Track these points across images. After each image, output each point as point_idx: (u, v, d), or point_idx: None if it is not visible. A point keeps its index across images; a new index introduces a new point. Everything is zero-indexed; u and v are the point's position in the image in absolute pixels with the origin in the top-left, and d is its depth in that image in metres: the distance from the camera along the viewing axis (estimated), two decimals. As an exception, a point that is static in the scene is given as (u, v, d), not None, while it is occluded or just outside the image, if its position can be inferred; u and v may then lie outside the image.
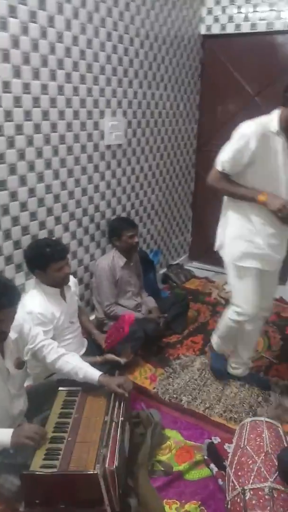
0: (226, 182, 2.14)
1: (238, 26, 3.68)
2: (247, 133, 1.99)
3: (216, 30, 3.79)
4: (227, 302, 3.01)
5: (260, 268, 2.25)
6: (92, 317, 2.97)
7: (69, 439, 1.76)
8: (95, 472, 1.57)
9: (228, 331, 2.50)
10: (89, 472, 1.59)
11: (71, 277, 2.38)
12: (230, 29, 3.72)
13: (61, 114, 2.43)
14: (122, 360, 2.38)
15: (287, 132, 2.00)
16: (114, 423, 1.81)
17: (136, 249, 2.92)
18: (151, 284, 3.33)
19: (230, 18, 3.69)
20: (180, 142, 3.84)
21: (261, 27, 3.58)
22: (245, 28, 3.65)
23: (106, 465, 1.61)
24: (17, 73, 2.11)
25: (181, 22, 3.47)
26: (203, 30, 3.83)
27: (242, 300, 2.33)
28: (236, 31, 3.70)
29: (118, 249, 2.86)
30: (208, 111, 4.04)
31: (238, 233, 2.24)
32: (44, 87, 2.29)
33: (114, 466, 1.61)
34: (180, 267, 4.14)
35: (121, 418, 1.84)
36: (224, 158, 2.08)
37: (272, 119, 2.00)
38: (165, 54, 3.33)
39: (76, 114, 2.54)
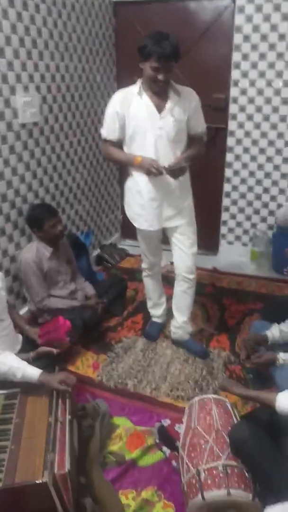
0: (111, 149, 2.38)
1: (151, -9, 3.54)
2: (113, 99, 2.29)
3: (128, -4, 3.62)
4: (165, 279, 2.98)
5: (145, 229, 2.48)
6: (25, 309, 2.80)
7: (12, 447, 1.65)
8: (44, 480, 1.48)
9: (146, 287, 2.83)
10: (37, 482, 1.49)
11: (-4, 272, 2.19)
12: (143, -5, 3.57)
13: None
14: (55, 350, 2.24)
15: (152, 90, 2.20)
16: (59, 423, 1.71)
17: (61, 237, 2.68)
18: (86, 267, 3.20)
19: (141, -17, 3.54)
20: (100, 116, 3.63)
21: (175, -7, 3.48)
22: (158, -6, 3.53)
23: (55, 471, 1.51)
24: None
25: (90, -13, 3.26)
26: (114, -4, 3.64)
27: (143, 257, 2.70)
28: (149, -3, 3.57)
29: (42, 239, 2.62)
30: (126, 81, 3.79)
31: (129, 197, 2.49)
32: None
33: (67, 470, 1.52)
34: (114, 246, 4.03)
35: (68, 417, 1.74)
36: (103, 126, 2.36)
37: (136, 84, 2.26)
38: (75, 22, 3.11)
39: (-17, 91, 2.30)
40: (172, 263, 2.65)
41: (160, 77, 2.11)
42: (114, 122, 2.28)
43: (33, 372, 1.82)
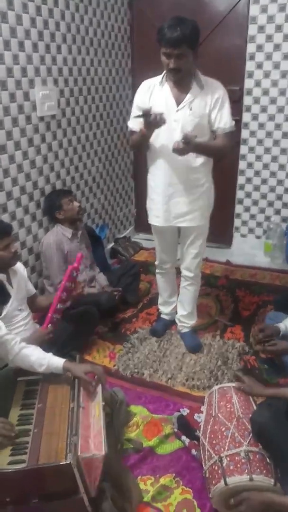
0: (133, 137, 2.35)
1: (164, -16, 3.54)
2: (137, 91, 2.29)
3: (142, -11, 3.62)
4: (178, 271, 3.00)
5: (155, 224, 2.47)
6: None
7: (35, 431, 1.68)
8: (68, 462, 1.51)
9: (157, 284, 2.82)
10: (61, 463, 1.52)
11: (18, 262, 2.22)
12: (157, -13, 3.58)
13: (-13, 85, 2.22)
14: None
15: (173, 78, 2.14)
16: (81, 408, 1.75)
17: (82, 214, 2.79)
18: (101, 260, 3.23)
19: (157, -24, 3.54)
20: (116, 110, 3.69)
21: (188, -15, 3.48)
22: (172, -14, 3.53)
23: (79, 453, 1.55)
24: None
25: (106, -20, 3.28)
26: (129, -11, 3.65)
27: (156, 253, 2.67)
28: (164, -11, 3.57)
29: (62, 222, 2.72)
30: (141, 75, 3.82)
31: (148, 192, 2.47)
32: None
33: (104, 452, 1.57)
34: (128, 240, 4.07)
35: (102, 403, 1.79)
36: (130, 118, 2.35)
37: (161, 74, 2.21)
38: (92, 15, 3.13)
39: (3, 85, 2.32)
40: (179, 259, 2.66)
41: (171, 64, 2.02)
42: (137, 113, 2.22)
43: (58, 361, 1.85)
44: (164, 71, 2.17)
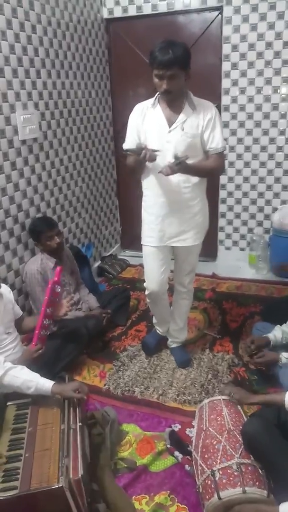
0: (128, 159, 2.31)
1: (139, 7, 3.66)
2: (131, 114, 2.29)
3: (118, 13, 3.73)
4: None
5: (146, 244, 2.43)
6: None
7: (26, 455, 1.68)
8: (60, 485, 1.50)
9: (151, 308, 2.76)
10: (53, 487, 1.51)
11: (3, 285, 2.22)
12: (132, 11, 3.69)
13: None
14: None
15: (165, 99, 2.15)
16: (72, 430, 1.74)
17: (61, 249, 2.72)
18: (88, 279, 3.24)
19: (131, 0, 3.65)
20: (97, 130, 3.75)
21: (162, 8, 3.60)
22: (147, 10, 3.65)
23: (71, 476, 1.54)
24: None
25: (82, 6, 3.36)
26: (105, 14, 3.74)
27: (145, 284, 2.55)
28: (139, 13, 3.68)
29: (44, 251, 2.68)
30: (121, 96, 3.98)
31: (142, 215, 2.43)
32: None
33: (80, 475, 1.55)
34: (114, 257, 4.08)
35: (78, 424, 1.77)
36: (125, 140, 2.33)
37: (154, 97, 2.22)
38: (70, 40, 3.20)
39: (-16, 110, 2.36)
40: (172, 271, 2.63)
41: (164, 85, 2.03)
42: (131, 134, 2.26)
43: (46, 384, 1.84)
44: (157, 94, 2.18)
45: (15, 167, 2.66)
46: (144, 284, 2.56)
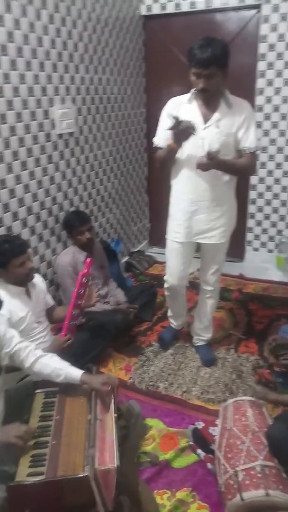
0: (159, 153, 2.32)
1: (178, 5, 3.65)
2: (165, 108, 2.28)
3: (156, 10, 3.73)
4: (191, 284, 3.03)
5: (171, 239, 2.45)
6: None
7: (53, 442, 1.70)
8: (86, 474, 1.53)
9: (167, 301, 2.81)
10: (79, 476, 1.54)
11: (37, 275, 2.28)
12: (171, 8, 3.68)
13: (9, 104, 2.29)
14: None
15: (201, 96, 2.14)
16: (98, 421, 1.77)
17: (91, 244, 2.77)
18: (116, 274, 3.27)
19: (170, -3, 3.64)
20: (131, 127, 3.77)
21: (200, 5, 3.58)
22: (185, 7, 3.63)
23: (96, 466, 1.57)
24: None
25: (121, 3, 3.37)
26: (143, 11, 3.75)
27: (165, 277, 2.62)
28: (177, 10, 3.67)
29: (76, 244, 2.75)
30: (155, 93, 3.98)
31: (169, 209, 2.45)
32: (-11, 76, 2.14)
33: (116, 465, 1.57)
34: (142, 253, 4.11)
35: (114, 415, 1.79)
36: (156, 135, 2.33)
37: (190, 92, 2.21)
38: (108, 36, 3.23)
39: (25, 103, 2.41)
40: (198, 269, 2.66)
41: (201, 84, 2.03)
42: (164, 128, 2.22)
43: (76, 373, 1.87)
44: (193, 89, 2.17)
45: (51, 160, 2.70)
46: (164, 277, 2.62)
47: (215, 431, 2.04)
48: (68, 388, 1.92)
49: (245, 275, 3.77)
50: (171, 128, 2.08)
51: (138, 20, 3.71)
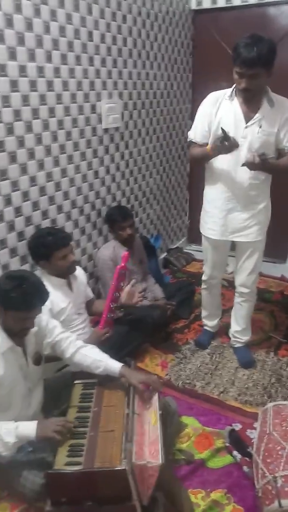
0: (193, 150, 2.32)
1: (229, -1, 3.58)
2: (204, 102, 2.25)
3: (207, 4, 3.67)
4: (230, 284, 2.99)
5: (208, 236, 2.46)
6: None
7: (91, 433, 1.72)
8: (123, 467, 1.53)
9: (202, 298, 2.79)
10: (116, 468, 1.54)
11: (78, 267, 2.30)
12: (221, 2, 3.61)
13: (59, 98, 2.32)
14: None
15: (243, 95, 2.10)
16: (136, 415, 1.77)
17: (132, 240, 2.77)
18: (154, 269, 3.27)
19: (221, -9, 3.58)
20: (175, 123, 3.75)
21: (252, -1, 3.49)
22: (237, 1, 3.55)
23: (133, 460, 1.57)
24: (12, 55, 2.00)
25: (171, -3, 3.36)
26: (193, 5, 3.70)
27: (204, 268, 2.65)
28: (228, 4, 3.60)
29: (116, 239, 2.77)
30: (201, 89, 3.89)
31: (203, 205, 2.46)
32: (41, 70, 2.17)
33: (160, 461, 1.57)
34: (180, 250, 4.09)
35: (159, 412, 1.79)
36: (191, 128, 2.31)
37: (230, 88, 2.17)
38: (157, 31, 3.21)
39: (73, 97, 2.43)
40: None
41: (243, 84, 2.00)
42: (201, 123, 2.23)
43: (115, 365, 1.88)
44: (234, 85, 2.14)
45: (97, 154, 2.72)
46: (203, 267, 2.66)
47: (252, 434, 2.00)
48: (106, 381, 1.94)
49: (287, 277, 3.68)
50: (218, 141, 2.08)
51: (188, 15, 3.68)
